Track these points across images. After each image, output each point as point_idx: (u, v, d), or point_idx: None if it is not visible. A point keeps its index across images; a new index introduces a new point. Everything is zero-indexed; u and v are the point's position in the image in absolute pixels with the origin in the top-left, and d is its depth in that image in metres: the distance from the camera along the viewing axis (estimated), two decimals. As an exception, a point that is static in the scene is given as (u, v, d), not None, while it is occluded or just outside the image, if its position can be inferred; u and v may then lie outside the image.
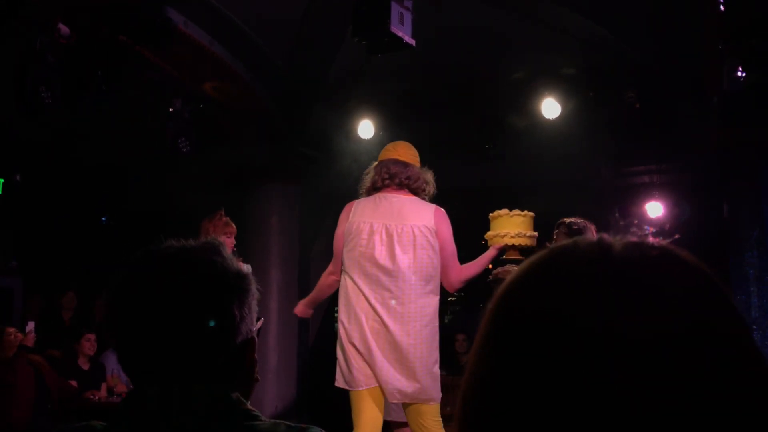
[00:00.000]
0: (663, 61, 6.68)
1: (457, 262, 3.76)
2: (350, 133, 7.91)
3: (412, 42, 4.68)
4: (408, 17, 4.73)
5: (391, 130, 7.77)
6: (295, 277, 8.14)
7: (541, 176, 8.80)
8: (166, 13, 5.45)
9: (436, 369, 3.64)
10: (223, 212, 5.12)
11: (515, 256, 4.00)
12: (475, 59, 7.17)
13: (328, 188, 8.49)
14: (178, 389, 1.14)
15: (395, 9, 4.58)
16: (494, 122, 7.69)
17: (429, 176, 3.84)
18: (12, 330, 5.92)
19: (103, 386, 6.67)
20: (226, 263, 1.22)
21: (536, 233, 4.03)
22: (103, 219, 10.37)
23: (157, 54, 5.84)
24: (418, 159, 3.86)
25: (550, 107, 7.27)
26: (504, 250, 3.95)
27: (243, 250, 5.86)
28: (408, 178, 3.73)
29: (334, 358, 4.96)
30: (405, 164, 3.76)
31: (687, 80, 6.73)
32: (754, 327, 6.82)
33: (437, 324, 3.67)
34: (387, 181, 3.74)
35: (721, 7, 4.46)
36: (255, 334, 1.25)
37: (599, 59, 7.00)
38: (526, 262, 0.65)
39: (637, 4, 6.23)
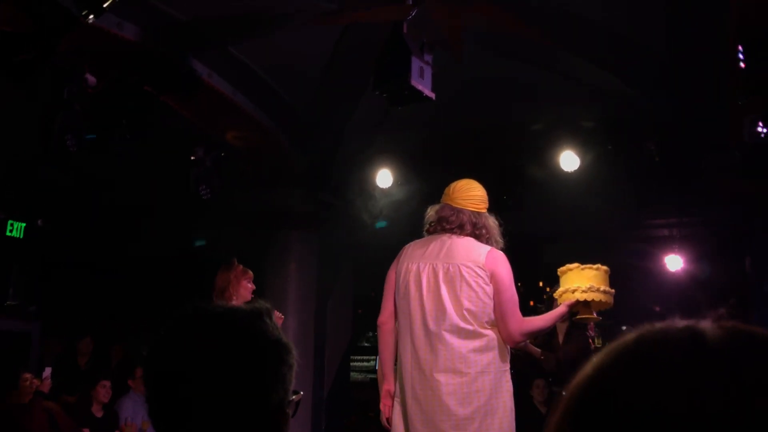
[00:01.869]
0: (683, 114, 6.69)
1: (518, 312, 3.38)
2: (369, 182, 7.95)
3: (432, 95, 4.74)
4: (428, 71, 4.79)
5: (409, 180, 7.81)
6: (311, 324, 8.09)
7: (560, 227, 8.77)
8: (191, 64, 5.56)
9: (506, 422, 3.29)
10: (235, 260, 5.09)
11: (588, 314, 3.64)
12: (494, 111, 7.23)
13: (346, 236, 8.51)
14: None
15: (416, 63, 4.65)
16: (513, 173, 7.68)
17: (490, 222, 3.51)
18: (28, 376, 5.91)
19: (117, 434, 6.61)
20: (267, 329, 1.21)
21: (612, 290, 3.68)
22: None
23: (181, 104, 5.94)
24: (477, 202, 3.52)
25: (569, 160, 7.28)
26: (575, 308, 3.62)
27: (260, 295, 5.84)
28: (458, 225, 3.45)
29: (351, 411, 4.87)
30: (453, 209, 3.48)
31: (707, 133, 6.73)
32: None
33: (501, 371, 3.34)
34: (434, 226, 3.50)
35: (741, 64, 4.48)
36: (289, 407, 1.22)
37: (618, 112, 7.03)
38: (609, 350, 0.62)
39: (656, 57, 6.28)
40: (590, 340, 5.18)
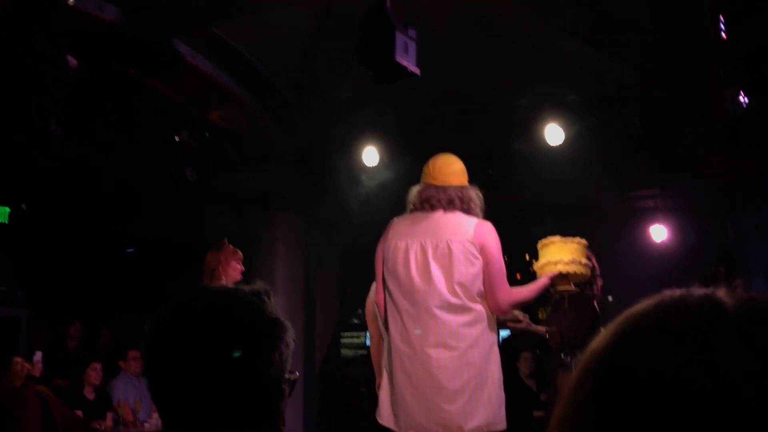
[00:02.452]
0: (666, 86, 6.73)
1: (506, 283, 3.43)
2: (355, 161, 7.94)
3: (417, 71, 4.72)
4: (412, 47, 4.78)
5: (395, 157, 7.81)
6: (300, 303, 8.13)
7: (545, 201, 8.81)
8: (174, 45, 5.51)
9: (494, 393, 3.34)
10: (226, 240, 5.14)
11: (567, 286, 3.72)
12: (479, 86, 7.23)
13: (333, 215, 8.52)
14: None
15: (400, 39, 4.63)
16: (498, 148, 7.71)
17: (472, 194, 3.52)
18: (19, 360, 5.91)
19: (109, 416, 6.64)
20: (266, 308, 1.23)
21: (589, 263, 3.75)
22: (130, 250, 10.35)
23: (165, 86, 5.90)
24: (459, 175, 3.54)
25: (554, 133, 7.31)
26: (554, 281, 3.66)
27: (248, 276, 5.88)
28: (446, 202, 3.45)
29: (343, 388, 4.92)
30: (438, 188, 3.49)
31: (690, 105, 6.77)
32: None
33: (490, 344, 3.39)
34: (420, 206, 3.51)
35: (723, 35, 4.51)
36: (286, 385, 1.25)
37: (602, 85, 7.05)
38: (628, 317, 0.62)
39: (640, 31, 6.30)
40: (596, 311, 5.25)
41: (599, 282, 5.37)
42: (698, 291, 0.62)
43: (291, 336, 1.25)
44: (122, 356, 7.22)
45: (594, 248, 6.18)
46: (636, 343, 0.59)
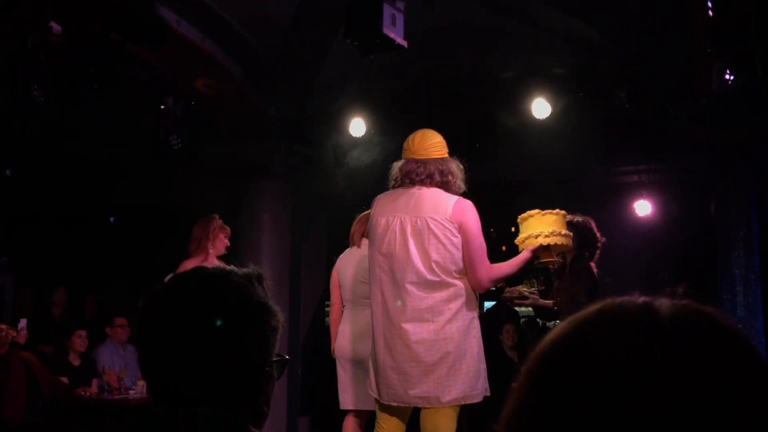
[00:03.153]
0: (653, 62, 6.73)
1: (486, 259, 3.49)
2: (342, 132, 7.93)
3: (404, 43, 4.70)
4: (400, 18, 4.75)
5: (382, 129, 7.81)
6: (286, 273, 8.16)
7: (532, 175, 8.85)
8: (159, 11, 5.45)
9: (473, 366, 3.42)
10: (216, 215, 5.21)
11: (549, 257, 3.76)
12: (466, 58, 7.21)
13: (320, 186, 8.52)
14: (184, 410, 1.18)
15: (387, 11, 4.60)
16: (485, 121, 7.71)
17: (453, 166, 3.57)
18: (4, 327, 5.92)
19: (94, 382, 6.67)
20: (256, 292, 1.28)
21: (570, 233, 3.81)
22: (112, 219, 10.35)
23: (150, 52, 5.84)
24: (438, 148, 3.59)
25: (541, 107, 7.31)
26: (536, 254, 3.71)
27: (235, 246, 5.90)
28: (426, 176, 3.50)
29: (329, 360, 4.97)
30: (418, 161, 3.53)
31: (676, 82, 6.79)
32: (740, 326, 6.90)
33: (469, 319, 3.45)
34: (401, 181, 3.56)
35: (710, 12, 4.51)
36: (272, 368, 1.29)
37: (589, 60, 7.05)
38: (571, 321, 0.67)
39: (627, 6, 6.28)
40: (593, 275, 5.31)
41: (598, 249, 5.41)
42: (639, 299, 0.67)
43: (279, 321, 1.30)
44: (108, 323, 7.23)
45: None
46: (575, 342, 0.65)
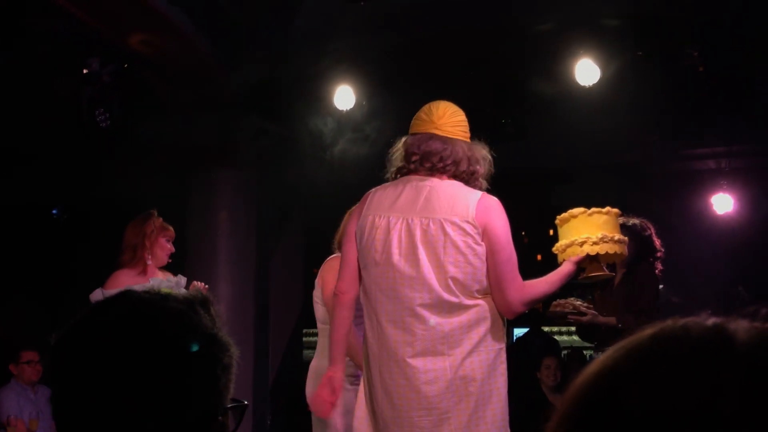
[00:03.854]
0: (735, 11, 6.69)
1: (518, 276, 3.45)
2: (324, 103, 7.89)
3: (405, -15, 4.65)
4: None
5: (377, 99, 7.77)
6: (250, 290, 8.13)
7: (574, 159, 8.83)
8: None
9: (499, 411, 3.38)
10: (155, 212, 5.18)
11: (599, 271, 3.74)
12: (488, 5, 7.16)
13: (295, 175, 8.49)
14: None
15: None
16: (514, 90, 7.68)
17: (481, 154, 3.53)
18: None
19: (-4, 435, 6.64)
20: (197, 321, 1.31)
21: (626, 238, 3.81)
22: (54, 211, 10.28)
23: (67, -2, 5.80)
24: (465, 129, 3.56)
25: (587, 70, 7.28)
26: (581, 266, 3.69)
27: (182, 255, 5.87)
28: (453, 161, 3.45)
29: (303, 401, 4.94)
30: (445, 140, 3.47)
31: (765, 36, 6.75)
32: None
33: (496, 350, 3.42)
34: (415, 165, 3.49)
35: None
36: (227, 418, 1.32)
37: (651, 6, 7.01)
38: (621, 346, 0.69)
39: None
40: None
41: (658, 265, 5.51)
42: (706, 320, 0.68)
43: (233, 356, 1.34)
44: (12, 358, 7.17)
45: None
46: (627, 377, 0.66)
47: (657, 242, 5.47)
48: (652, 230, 5.49)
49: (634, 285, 5.39)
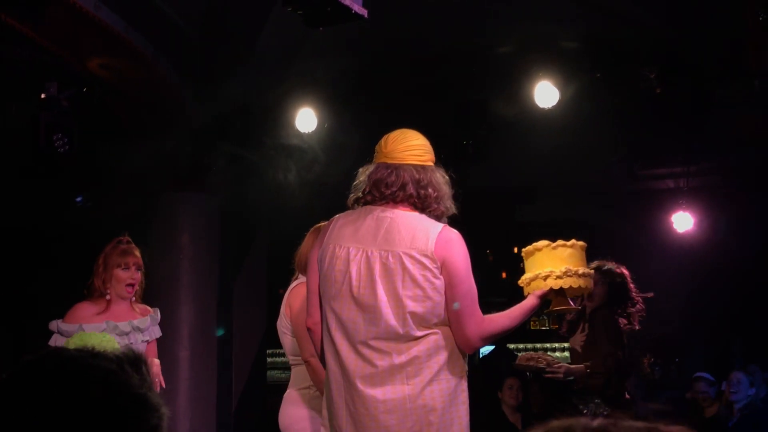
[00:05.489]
0: (691, 33, 6.77)
1: (477, 310, 3.39)
2: (286, 127, 7.87)
3: (364, 12, 4.62)
4: (358, -23, 4.69)
5: (339, 123, 7.76)
6: (212, 316, 8.07)
7: (536, 179, 8.86)
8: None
9: None
10: (124, 238, 4.85)
11: (564, 304, 3.70)
12: (449, 29, 7.19)
13: (257, 197, 8.45)
14: None
15: (341, -34, 4.54)
16: (475, 111, 7.71)
17: (438, 177, 3.44)
18: None
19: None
20: (125, 381, 1.30)
21: (591, 271, 3.77)
22: None
23: (25, 22, 5.75)
24: (419, 153, 3.47)
25: (546, 92, 7.31)
26: (548, 297, 3.63)
27: (145, 278, 5.79)
28: (399, 186, 3.38)
29: (269, 424, 4.88)
30: (390, 166, 3.42)
31: (720, 58, 6.83)
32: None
33: (456, 379, 3.37)
34: (371, 195, 3.44)
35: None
36: None
37: (609, 30, 7.07)
38: None
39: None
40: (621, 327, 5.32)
41: (638, 306, 5.41)
42: (592, 421, 0.68)
43: (162, 418, 1.33)
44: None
45: (600, 241, 6.22)
46: None
47: (633, 290, 5.38)
48: (628, 277, 5.42)
49: (592, 330, 5.35)
